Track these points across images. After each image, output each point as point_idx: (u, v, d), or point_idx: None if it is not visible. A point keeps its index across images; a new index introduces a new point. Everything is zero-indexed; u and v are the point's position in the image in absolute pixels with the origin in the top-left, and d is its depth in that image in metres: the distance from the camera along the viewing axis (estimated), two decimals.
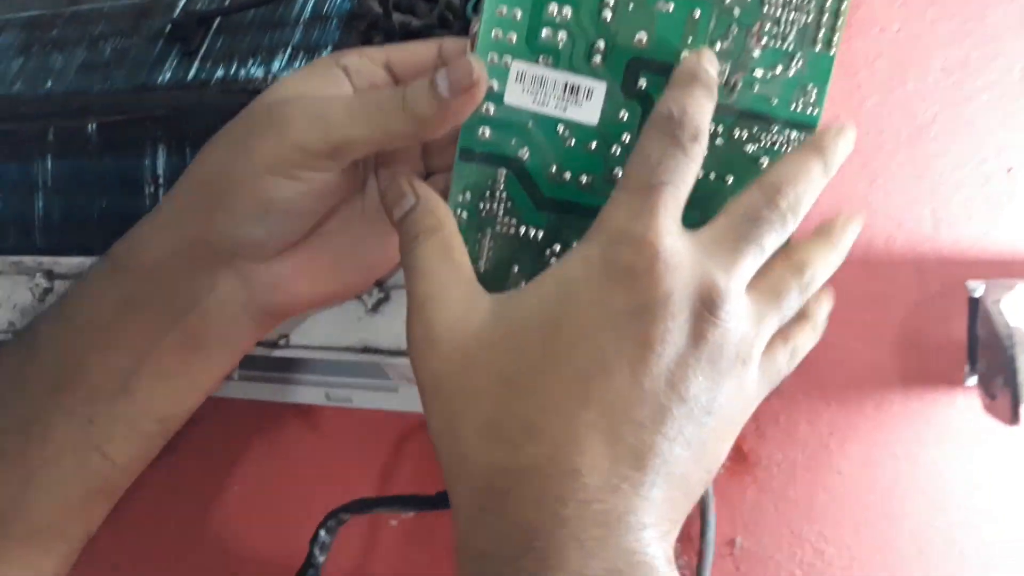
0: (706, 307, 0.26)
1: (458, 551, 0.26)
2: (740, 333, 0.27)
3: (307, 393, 0.46)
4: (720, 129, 0.30)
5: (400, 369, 0.40)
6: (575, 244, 0.28)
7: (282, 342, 0.39)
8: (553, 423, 0.25)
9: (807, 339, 0.32)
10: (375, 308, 0.37)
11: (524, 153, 0.29)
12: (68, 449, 0.31)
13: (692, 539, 0.44)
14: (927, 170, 0.43)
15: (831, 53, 0.31)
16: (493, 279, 0.30)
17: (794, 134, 0.31)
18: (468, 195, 0.29)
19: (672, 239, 0.26)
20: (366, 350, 0.37)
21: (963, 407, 0.40)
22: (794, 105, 0.31)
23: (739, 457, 0.44)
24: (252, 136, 0.29)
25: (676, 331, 0.26)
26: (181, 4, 0.46)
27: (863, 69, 0.44)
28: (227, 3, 0.45)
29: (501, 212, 0.30)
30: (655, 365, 0.25)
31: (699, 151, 0.28)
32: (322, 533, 0.38)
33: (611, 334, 0.26)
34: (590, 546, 0.24)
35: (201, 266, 0.30)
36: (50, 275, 0.43)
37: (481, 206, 0.30)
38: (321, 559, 0.38)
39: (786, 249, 0.29)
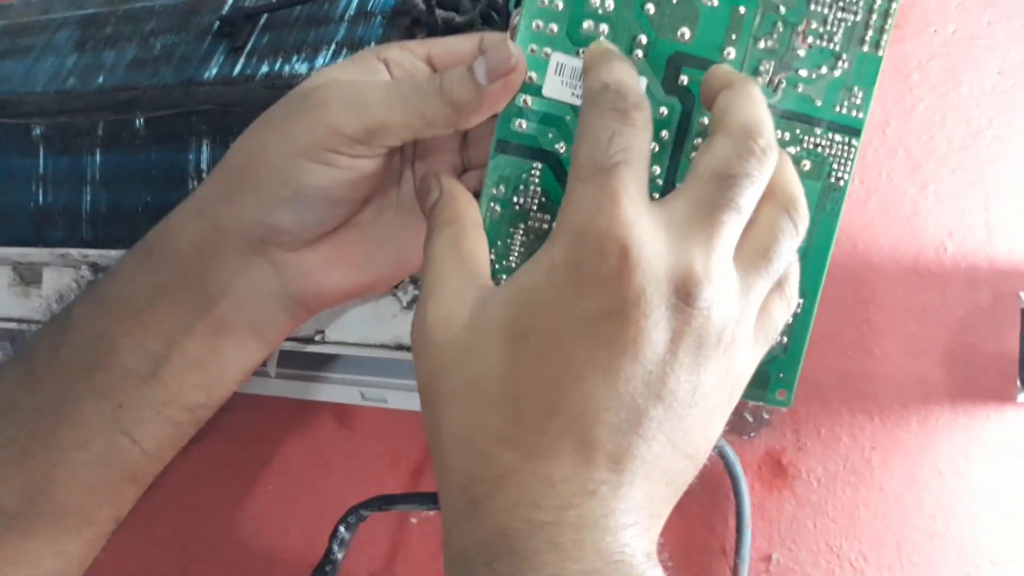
0: (683, 299, 0.25)
1: (444, 550, 0.26)
2: (724, 316, 0.25)
3: (343, 392, 0.46)
4: None
5: None
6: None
7: (318, 337, 0.39)
8: (524, 432, 0.25)
9: (796, 276, 0.29)
10: (410, 305, 0.37)
11: (561, 147, 0.29)
12: (97, 432, 0.31)
13: (727, 554, 0.43)
14: (981, 177, 0.41)
15: (879, 54, 0.29)
16: None
17: (838, 137, 0.30)
18: (502, 188, 0.29)
19: (638, 230, 0.25)
20: (400, 347, 0.37)
21: (1013, 423, 0.39)
22: (838, 107, 0.30)
23: (778, 470, 0.43)
24: (288, 121, 0.29)
25: (651, 330, 0.24)
26: (230, 1, 0.47)
27: (916, 72, 0.43)
28: (274, 0, 0.45)
29: (535, 207, 0.29)
30: (629, 368, 0.24)
31: (645, 118, 0.26)
32: (341, 529, 0.38)
33: (582, 341, 0.25)
34: (567, 549, 0.23)
35: (232, 253, 0.30)
36: (95, 268, 0.43)
37: (515, 200, 0.29)
38: (340, 555, 0.38)
39: (767, 191, 0.27)
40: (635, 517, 0.24)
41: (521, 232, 0.30)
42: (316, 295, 0.32)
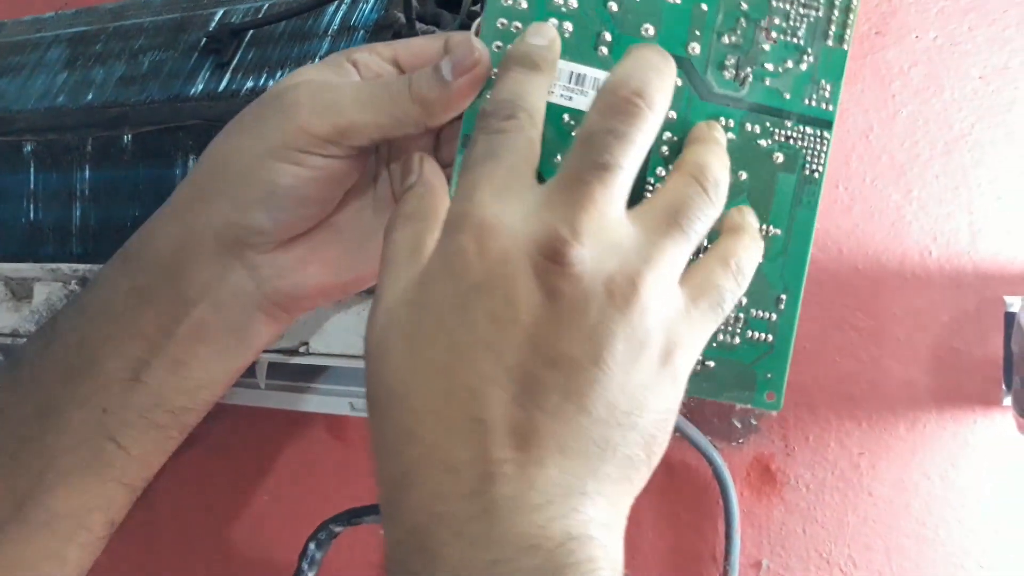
0: (550, 258, 0.24)
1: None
2: (608, 269, 0.24)
3: (332, 403, 0.47)
4: (732, 123, 0.30)
5: None
6: None
7: (302, 349, 0.39)
8: (424, 424, 0.24)
9: (745, 252, 0.28)
10: None
11: None
12: (83, 437, 0.31)
13: (717, 560, 0.43)
14: (964, 182, 0.41)
15: (844, 48, 0.30)
16: None
17: (809, 129, 0.30)
18: None
19: (499, 206, 0.25)
20: None
21: (1000, 427, 0.39)
22: (807, 100, 0.30)
23: (766, 476, 0.43)
24: (259, 122, 0.30)
25: (523, 295, 0.24)
26: (217, 18, 0.47)
27: (898, 78, 0.43)
28: (260, 16, 0.46)
29: None
30: (511, 336, 0.24)
31: (515, 127, 0.26)
32: (311, 546, 0.37)
33: (461, 321, 0.24)
34: (474, 539, 0.23)
35: (209, 256, 0.31)
36: (84, 281, 0.44)
37: None
38: (311, 574, 0.37)
39: (677, 164, 0.27)
40: (550, 495, 0.23)
41: None
42: (292, 296, 0.32)
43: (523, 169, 0.26)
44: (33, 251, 0.46)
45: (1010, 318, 0.37)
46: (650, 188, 0.29)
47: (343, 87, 0.30)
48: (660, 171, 0.29)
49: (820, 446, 0.42)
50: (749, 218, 0.29)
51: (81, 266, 0.44)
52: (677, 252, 0.26)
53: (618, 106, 0.25)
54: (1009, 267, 0.40)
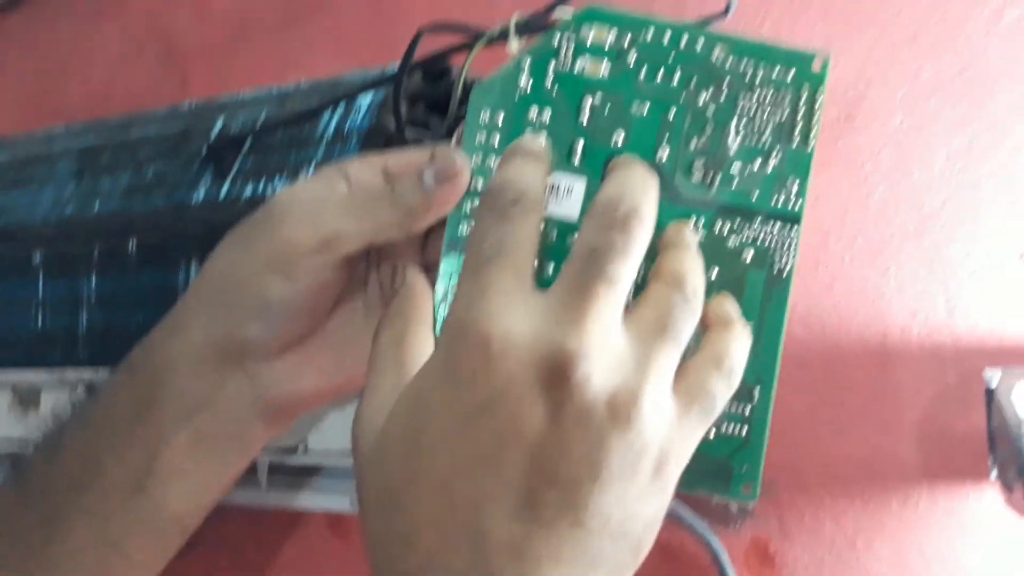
0: (556, 376, 0.25)
1: None
2: (612, 385, 0.25)
3: (333, 501, 0.47)
4: (701, 223, 0.31)
5: None
6: None
7: (301, 448, 0.40)
8: (425, 533, 0.25)
9: (734, 353, 0.28)
10: None
11: None
12: (87, 545, 0.32)
13: None
14: (938, 259, 0.43)
15: (808, 149, 0.31)
16: None
17: (777, 226, 0.31)
18: (452, 285, 0.31)
19: (505, 319, 0.25)
20: None
21: (991, 502, 0.39)
22: (775, 199, 0.31)
23: (765, 559, 0.43)
24: (250, 238, 0.31)
25: (527, 414, 0.25)
26: (217, 127, 0.49)
27: (868, 161, 0.45)
28: (259, 125, 0.48)
29: None
30: (514, 456, 0.25)
31: (520, 212, 0.27)
32: None
33: (465, 437, 0.25)
34: None
35: (209, 366, 0.32)
36: (90, 387, 0.45)
37: None
38: None
39: (654, 272, 0.28)
40: None
41: None
42: (290, 402, 0.33)
43: (527, 270, 0.27)
44: (40, 358, 0.48)
45: (990, 393, 0.38)
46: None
47: (327, 198, 0.31)
48: None
49: (816, 526, 0.42)
50: (731, 309, 0.30)
51: (87, 371, 0.46)
52: (669, 361, 0.27)
53: (616, 223, 0.26)
54: (987, 340, 0.41)
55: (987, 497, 0.39)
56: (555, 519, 0.25)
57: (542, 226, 0.29)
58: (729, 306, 0.30)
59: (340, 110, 0.46)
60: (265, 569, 0.51)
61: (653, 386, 0.26)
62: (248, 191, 0.45)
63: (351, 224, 0.30)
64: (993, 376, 0.38)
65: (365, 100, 0.46)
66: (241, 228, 0.32)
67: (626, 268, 0.26)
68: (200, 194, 0.46)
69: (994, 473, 0.38)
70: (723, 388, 0.28)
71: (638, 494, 0.26)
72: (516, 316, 0.26)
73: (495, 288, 0.26)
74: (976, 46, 0.44)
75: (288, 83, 0.51)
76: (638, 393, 0.25)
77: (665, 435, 0.26)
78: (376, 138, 0.44)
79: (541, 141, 0.30)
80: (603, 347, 0.25)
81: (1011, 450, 0.33)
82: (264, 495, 0.45)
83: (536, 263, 0.28)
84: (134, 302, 0.46)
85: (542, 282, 0.30)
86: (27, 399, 0.47)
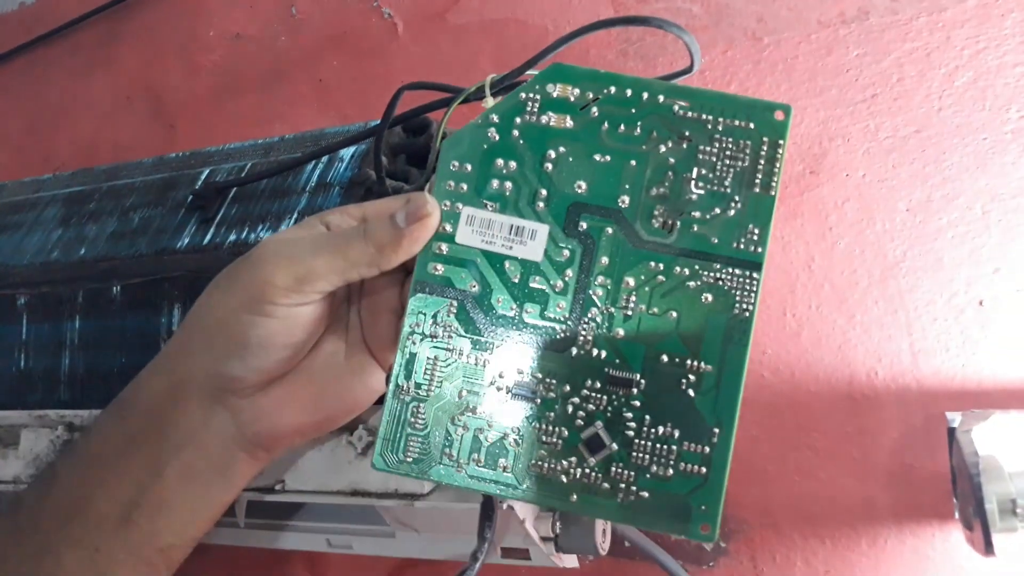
0: None
1: None
2: None
3: (310, 540, 0.47)
4: (661, 267, 0.32)
5: (393, 512, 0.41)
6: (515, 369, 0.31)
7: (278, 487, 0.40)
8: None
9: None
10: (364, 451, 0.38)
11: (473, 286, 0.32)
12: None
13: None
14: (902, 305, 0.44)
15: (771, 195, 0.32)
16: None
17: (738, 271, 0.31)
18: (419, 322, 0.32)
19: None
20: (355, 493, 0.38)
21: (956, 540, 0.40)
22: (736, 243, 0.32)
23: None
24: (230, 280, 0.33)
25: None
26: (203, 177, 0.51)
27: (833, 212, 0.47)
28: (243, 175, 0.49)
29: (448, 338, 0.32)
30: None
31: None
32: None
33: None
34: None
35: (193, 404, 0.33)
36: (71, 427, 0.45)
37: (431, 331, 0.32)
38: None
39: None
40: None
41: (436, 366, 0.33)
42: (271, 436, 0.34)
43: None
44: (21, 398, 0.48)
45: (951, 434, 0.39)
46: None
47: (303, 239, 0.33)
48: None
49: (787, 566, 0.43)
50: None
51: (68, 412, 0.46)
52: None
53: None
54: (949, 384, 0.42)
55: (952, 536, 0.40)
56: None
57: (507, 264, 0.31)
58: None
59: (323, 161, 0.48)
60: None
61: None
62: (232, 237, 0.46)
63: (324, 261, 0.32)
64: (954, 418, 0.39)
65: (347, 152, 0.47)
66: (226, 271, 0.34)
67: None
68: (184, 240, 0.47)
69: (959, 513, 0.39)
70: None
71: None
72: None
73: None
74: (931, 106, 0.46)
75: (272, 136, 0.52)
76: None
77: None
78: (357, 189, 0.45)
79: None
80: None
81: (970, 489, 0.34)
82: (243, 535, 0.45)
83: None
84: (117, 345, 0.47)
85: (505, 319, 0.32)
86: (7, 439, 0.47)
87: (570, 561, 0.43)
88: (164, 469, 0.33)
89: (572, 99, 0.33)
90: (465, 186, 0.32)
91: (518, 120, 0.33)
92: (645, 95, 0.32)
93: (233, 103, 0.69)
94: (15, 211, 0.56)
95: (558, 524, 0.40)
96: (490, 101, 0.34)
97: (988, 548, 0.33)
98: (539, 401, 0.32)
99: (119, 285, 0.47)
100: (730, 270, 0.31)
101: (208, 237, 0.46)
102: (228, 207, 0.48)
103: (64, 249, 0.51)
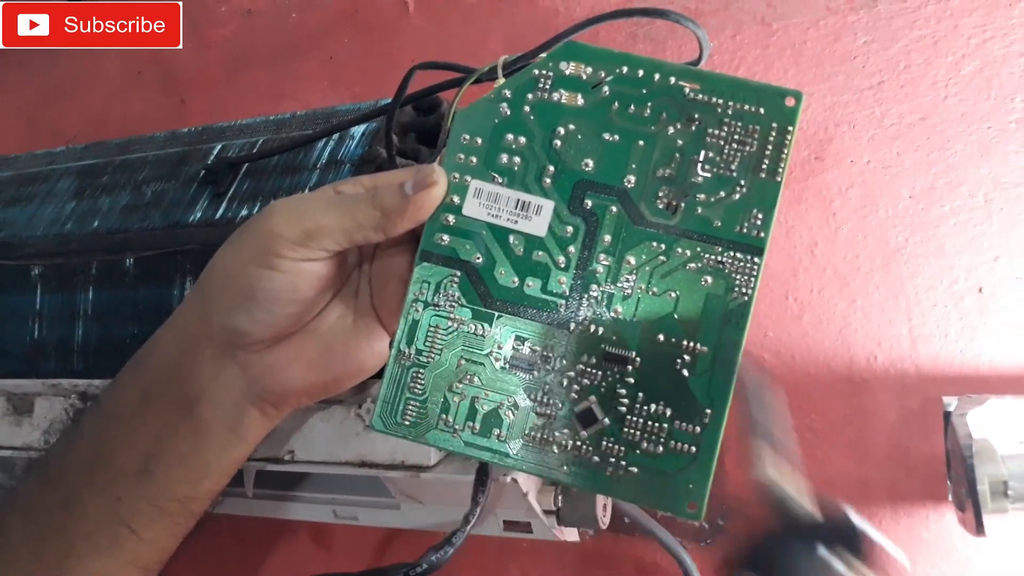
0: None
1: None
2: None
3: (316, 511, 0.48)
4: (663, 247, 0.32)
5: (399, 483, 0.42)
6: (514, 341, 0.32)
7: (287, 457, 0.41)
8: None
9: None
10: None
11: (477, 258, 0.33)
12: (100, 524, 0.34)
13: None
14: (902, 291, 0.45)
15: (777, 180, 0.32)
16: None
17: (739, 255, 0.32)
18: (423, 291, 0.33)
19: None
20: (363, 464, 0.39)
21: (949, 522, 0.41)
22: (739, 227, 0.32)
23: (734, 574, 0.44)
24: (241, 235, 0.34)
25: None
26: (215, 152, 0.51)
27: (837, 198, 0.47)
28: (255, 150, 0.50)
29: (450, 307, 0.33)
30: None
31: None
32: None
33: None
34: None
35: (205, 359, 0.34)
36: (84, 396, 0.46)
37: (434, 300, 0.33)
38: None
39: None
40: None
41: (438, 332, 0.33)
42: (279, 392, 0.35)
43: None
44: (35, 367, 0.49)
45: (947, 418, 0.39)
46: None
47: (313, 197, 0.33)
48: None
49: None
50: None
51: (81, 381, 0.47)
52: None
53: None
54: (947, 369, 0.43)
55: (946, 518, 0.41)
56: None
57: (511, 238, 0.32)
58: None
59: (334, 138, 0.48)
60: None
61: None
62: (244, 212, 0.47)
63: (332, 219, 0.32)
64: (951, 402, 0.40)
65: (358, 130, 0.48)
66: (237, 231, 0.35)
67: None
68: (197, 214, 0.48)
69: (951, 494, 0.39)
70: None
71: None
72: None
73: None
74: (937, 94, 0.47)
75: (282, 112, 0.53)
76: None
77: None
78: (368, 166, 0.46)
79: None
80: None
81: (963, 472, 0.35)
82: (251, 505, 0.46)
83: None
84: (129, 316, 0.47)
85: (506, 291, 0.33)
86: (21, 407, 0.48)
87: (571, 535, 0.44)
88: (178, 422, 0.34)
89: (584, 78, 0.33)
90: (475, 159, 0.33)
91: (530, 96, 0.33)
92: (657, 76, 0.33)
93: (243, 79, 0.70)
94: (28, 183, 0.57)
95: (560, 497, 0.41)
96: (502, 82, 0.35)
97: (979, 528, 0.34)
98: (535, 373, 0.33)
99: (132, 257, 0.48)
100: (732, 254, 0.32)
101: (220, 211, 0.47)
102: (240, 182, 0.48)
103: (78, 221, 0.52)
